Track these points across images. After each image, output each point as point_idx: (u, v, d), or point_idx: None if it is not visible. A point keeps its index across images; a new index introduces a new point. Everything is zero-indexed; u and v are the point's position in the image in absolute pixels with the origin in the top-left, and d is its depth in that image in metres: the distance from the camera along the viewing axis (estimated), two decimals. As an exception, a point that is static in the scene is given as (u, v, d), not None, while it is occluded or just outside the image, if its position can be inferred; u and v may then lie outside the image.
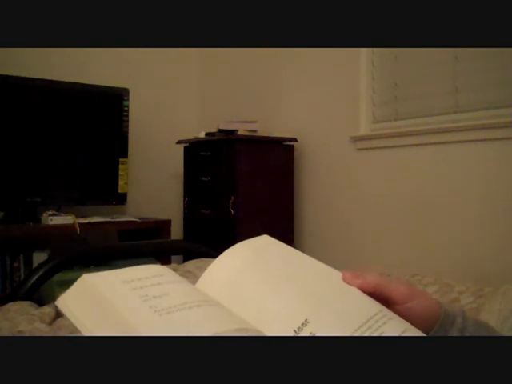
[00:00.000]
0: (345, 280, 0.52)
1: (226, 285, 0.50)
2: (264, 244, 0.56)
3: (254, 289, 0.50)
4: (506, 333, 0.87)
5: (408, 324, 0.49)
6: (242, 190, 2.53)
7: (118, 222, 2.69)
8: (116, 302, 0.44)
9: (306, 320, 0.45)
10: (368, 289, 0.51)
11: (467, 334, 0.53)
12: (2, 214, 2.56)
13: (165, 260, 2.54)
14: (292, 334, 0.45)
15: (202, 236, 2.65)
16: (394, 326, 0.47)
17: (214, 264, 0.52)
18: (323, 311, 0.47)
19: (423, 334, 0.49)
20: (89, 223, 2.55)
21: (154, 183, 3.21)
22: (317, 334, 0.44)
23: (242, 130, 2.61)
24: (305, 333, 0.45)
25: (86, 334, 0.42)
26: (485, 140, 2.00)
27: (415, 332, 0.48)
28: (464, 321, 0.54)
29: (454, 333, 0.53)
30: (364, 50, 2.44)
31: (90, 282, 0.46)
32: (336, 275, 0.53)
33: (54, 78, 2.65)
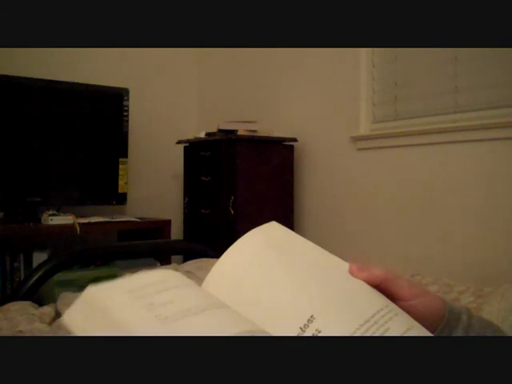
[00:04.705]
0: (351, 273, 0.52)
1: (233, 280, 0.51)
2: (272, 234, 0.55)
3: (261, 284, 0.50)
4: (505, 332, 0.87)
5: (414, 321, 0.48)
6: (242, 190, 2.53)
7: (118, 222, 2.69)
8: (121, 314, 0.44)
9: (311, 316, 0.45)
10: (374, 282, 0.51)
11: (473, 332, 0.53)
12: (2, 214, 2.56)
13: (165, 260, 2.54)
14: (298, 331, 0.45)
15: (201, 236, 2.65)
16: (399, 322, 0.47)
17: (223, 257, 0.52)
18: (329, 306, 0.47)
19: (428, 332, 0.49)
20: (89, 223, 2.55)
21: (154, 183, 3.21)
22: (322, 331, 0.44)
23: (242, 130, 2.61)
24: (310, 330, 0.45)
25: None
26: (485, 140, 2.00)
27: (421, 329, 0.48)
28: (469, 319, 0.54)
29: (460, 331, 0.53)
30: (364, 50, 2.44)
31: (94, 294, 0.46)
32: (342, 266, 0.53)
33: (53, 78, 2.65)
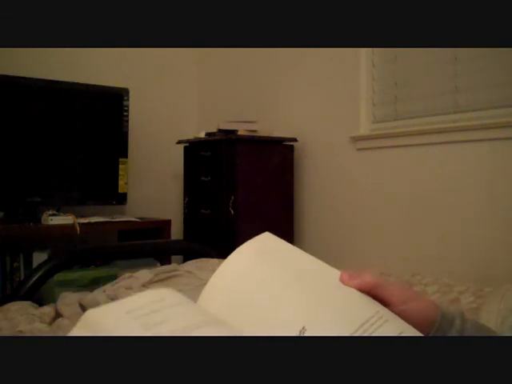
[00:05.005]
0: (342, 281, 0.52)
1: (229, 293, 0.52)
2: (265, 245, 0.56)
3: (255, 295, 0.50)
4: (505, 332, 0.87)
5: (405, 325, 0.49)
6: (242, 190, 2.53)
7: (118, 222, 2.69)
8: (119, 334, 0.44)
9: (303, 328, 0.46)
10: (364, 289, 0.51)
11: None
12: (2, 213, 2.56)
13: (165, 260, 2.54)
14: None
15: (201, 236, 2.65)
16: (389, 328, 0.47)
17: (219, 270, 0.53)
18: (319, 317, 0.47)
19: (420, 335, 0.49)
20: (89, 223, 2.55)
21: (154, 183, 3.21)
22: None
23: (242, 130, 2.61)
24: None
25: None
26: (485, 140, 2.00)
27: (412, 333, 0.48)
28: (463, 323, 0.54)
29: (453, 335, 0.53)
30: (364, 50, 2.45)
31: (93, 318, 0.46)
32: (334, 275, 0.53)
33: (53, 78, 2.65)
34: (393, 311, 0.51)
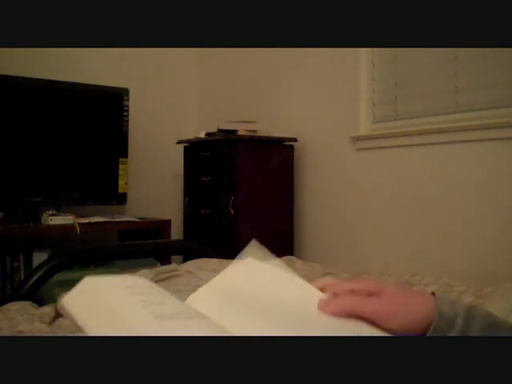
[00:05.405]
0: (320, 309, 0.52)
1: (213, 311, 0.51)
2: (245, 274, 0.56)
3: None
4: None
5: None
6: (242, 190, 2.53)
7: (118, 222, 2.69)
8: (117, 305, 0.44)
9: None
10: (342, 314, 0.51)
11: (471, 335, 0.52)
12: (2, 214, 2.56)
13: (165, 260, 2.54)
14: None
15: (201, 236, 2.65)
16: None
17: (191, 298, 0.53)
18: None
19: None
20: (89, 223, 2.55)
21: (153, 183, 3.21)
22: None
23: (242, 130, 2.61)
24: None
25: (90, 333, 0.42)
26: (485, 140, 2.00)
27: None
28: (466, 322, 0.52)
29: (453, 335, 0.51)
30: (364, 50, 2.44)
31: (92, 284, 0.47)
32: (313, 304, 0.52)
33: (53, 78, 2.65)
34: (382, 329, 0.50)
